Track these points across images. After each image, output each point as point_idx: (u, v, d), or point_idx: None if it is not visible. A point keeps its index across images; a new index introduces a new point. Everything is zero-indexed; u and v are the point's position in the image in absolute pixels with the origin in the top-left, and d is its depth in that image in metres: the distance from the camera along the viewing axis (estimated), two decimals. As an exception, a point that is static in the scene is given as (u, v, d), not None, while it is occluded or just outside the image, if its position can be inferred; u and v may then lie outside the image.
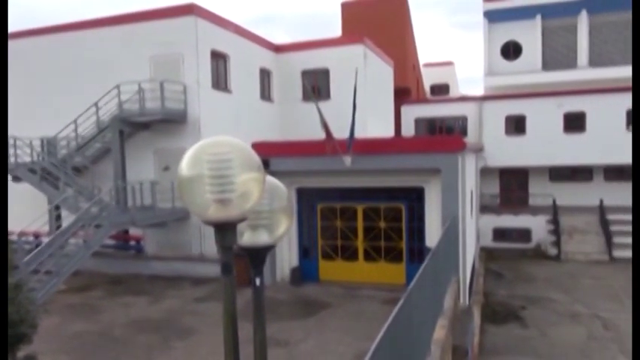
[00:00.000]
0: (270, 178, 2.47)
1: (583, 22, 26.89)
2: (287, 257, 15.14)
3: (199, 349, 10.17)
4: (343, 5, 29.23)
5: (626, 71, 25.86)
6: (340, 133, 13.50)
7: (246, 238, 2.47)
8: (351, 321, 11.53)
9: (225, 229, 2.20)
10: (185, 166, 2.12)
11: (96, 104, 16.25)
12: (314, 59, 21.81)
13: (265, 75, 21.39)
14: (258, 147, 14.16)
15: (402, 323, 4.94)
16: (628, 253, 21.08)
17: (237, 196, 2.13)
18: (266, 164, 14.04)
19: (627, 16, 26.39)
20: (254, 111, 20.16)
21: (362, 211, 14.81)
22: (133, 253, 17.66)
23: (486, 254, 22.62)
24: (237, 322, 2.37)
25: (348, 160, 13.00)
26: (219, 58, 18.10)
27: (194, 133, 16.50)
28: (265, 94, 21.40)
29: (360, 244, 14.90)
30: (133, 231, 17.29)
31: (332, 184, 14.80)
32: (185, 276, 15.87)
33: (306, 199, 15.23)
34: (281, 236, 2.52)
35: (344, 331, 10.84)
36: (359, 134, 14.51)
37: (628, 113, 23.98)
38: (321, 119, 12.92)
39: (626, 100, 23.98)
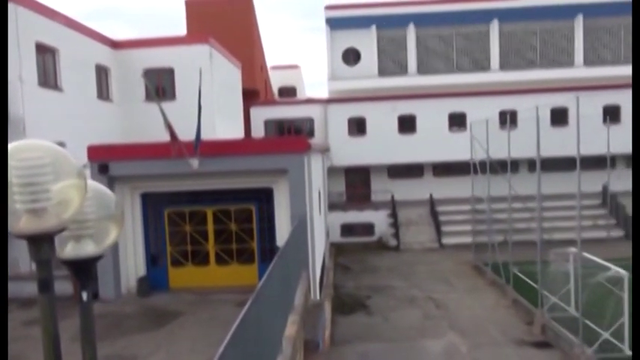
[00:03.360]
0: (95, 184, 2.31)
1: (411, 33, 29.76)
2: (133, 267, 14.24)
3: (30, 377, 9.07)
4: (187, 3, 28.41)
5: (447, 79, 29.36)
6: (186, 134, 13.09)
7: (69, 249, 2.27)
8: (204, 327, 11.26)
9: (40, 242, 2.00)
10: (-13, 173, 1.88)
11: None
12: (157, 58, 20.83)
13: (102, 72, 19.86)
14: (95, 151, 13.24)
15: (251, 324, 4.97)
16: (454, 240, 23.94)
17: (54, 205, 1.95)
18: (105, 169, 13.05)
19: (448, 30, 29.88)
20: (91, 111, 18.57)
21: (212, 214, 14.54)
22: (-58, 277, 15.09)
23: (336, 249, 23.83)
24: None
25: (195, 162, 12.66)
26: (46, 53, 16.33)
27: (17, 136, 14.57)
28: (103, 94, 19.86)
29: (211, 247, 14.62)
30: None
31: (179, 188, 14.29)
32: (12, 298, 13.95)
33: (152, 204, 14.49)
34: (109, 245, 2.36)
35: (196, 339, 10.55)
36: (207, 136, 14.26)
37: (450, 116, 27.12)
38: (165, 120, 12.40)
39: (448, 105, 27.15)
